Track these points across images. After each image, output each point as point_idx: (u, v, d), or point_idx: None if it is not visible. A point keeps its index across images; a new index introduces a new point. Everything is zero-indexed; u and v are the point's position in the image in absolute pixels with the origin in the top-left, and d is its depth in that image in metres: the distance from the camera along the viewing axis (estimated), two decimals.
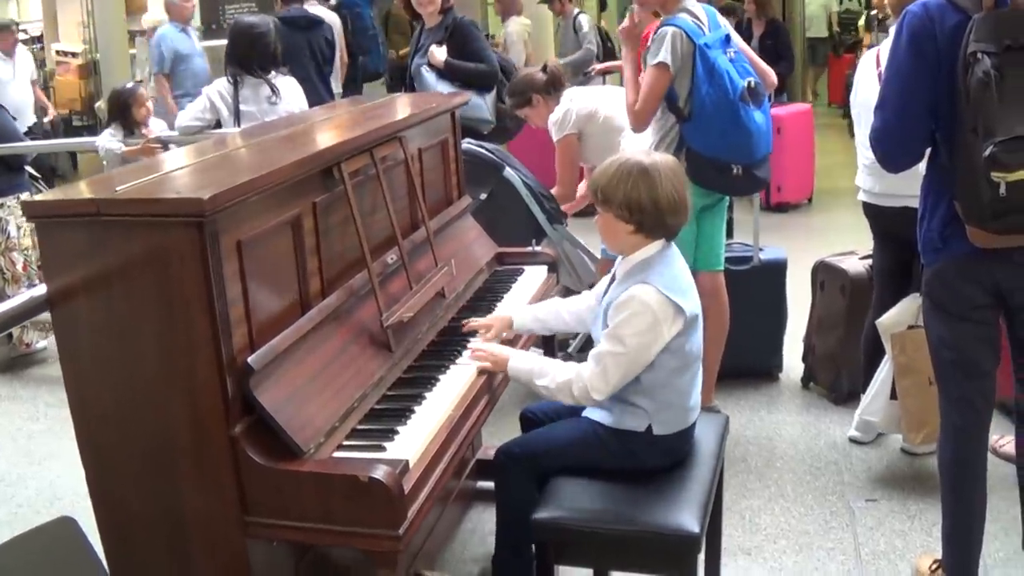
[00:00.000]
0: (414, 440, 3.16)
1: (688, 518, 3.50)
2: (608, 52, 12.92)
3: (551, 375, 3.74)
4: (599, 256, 6.12)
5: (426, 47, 7.79)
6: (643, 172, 3.59)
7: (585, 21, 12.33)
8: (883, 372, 5.27)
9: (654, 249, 3.69)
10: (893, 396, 5.21)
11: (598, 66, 11.57)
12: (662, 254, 3.70)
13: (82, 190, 3.29)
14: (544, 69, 6.68)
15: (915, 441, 5.24)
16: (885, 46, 4.90)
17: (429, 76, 7.62)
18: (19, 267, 8.15)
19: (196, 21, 12.56)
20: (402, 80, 10.06)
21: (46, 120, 13.33)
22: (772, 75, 5.66)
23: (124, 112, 7.91)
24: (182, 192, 2.96)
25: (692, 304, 3.68)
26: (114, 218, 2.91)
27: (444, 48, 7.62)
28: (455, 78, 7.58)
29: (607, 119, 6.28)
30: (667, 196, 3.59)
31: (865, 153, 5.23)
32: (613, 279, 3.81)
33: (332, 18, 11.10)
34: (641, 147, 5.51)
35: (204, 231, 2.81)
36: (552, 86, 6.59)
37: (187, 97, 10.07)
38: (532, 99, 6.62)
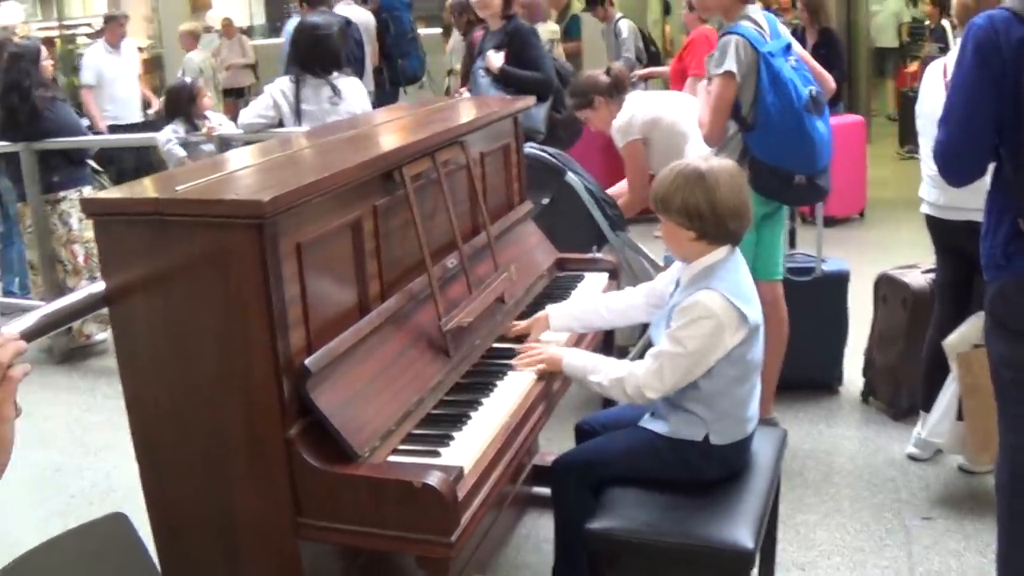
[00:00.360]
0: (470, 446, 3.14)
1: (743, 533, 3.48)
2: (652, 57, 12.84)
3: (605, 371, 3.73)
4: (661, 263, 6.08)
5: (485, 52, 7.78)
6: (700, 178, 3.59)
7: (625, 27, 12.24)
8: (948, 393, 5.19)
9: (719, 255, 3.68)
10: (960, 417, 5.14)
11: (639, 72, 11.52)
12: (727, 260, 3.69)
13: (143, 189, 3.30)
14: (608, 72, 6.64)
15: (984, 462, 5.15)
16: (952, 58, 4.85)
17: (483, 81, 7.60)
18: (80, 260, 8.24)
19: (261, 19, 12.63)
20: None
21: (150, 112, 13.23)
22: (831, 80, 5.65)
23: (186, 106, 8.00)
24: (242, 193, 2.96)
25: (755, 313, 3.67)
26: (174, 218, 2.92)
27: (502, 54, 7.58)
28: (509, 85, 7.51)
29: (671, 124, 6.25)
30: (725, 201, 3.59)
31: (929, 165, 5.17)
32: (677, 285, 3.79)
33: (366, 19, 11.16)
34: (708, 151, 5.51)
35: (264, 233, 2.81)
36: (615, 89, 6.56)
37: None
38: (594, 101, 6.58)
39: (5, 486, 2.21)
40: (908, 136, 13.64)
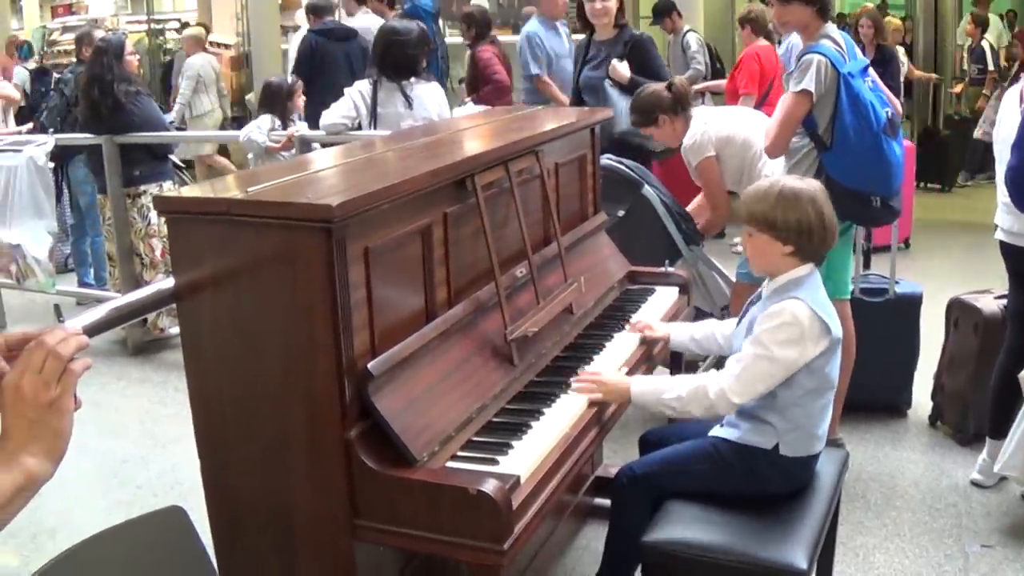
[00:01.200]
0: (528, 456, 3.15)
1: (798, 554, 3.47)
2: (716, 72, 12.82)
3: (681, 386, 3.74)
4: (734, 279, 6.07)
5: (599, 60, 7.76)
6: (809, 196, 3.65)
7: (693, 39, 12.22)
8: (1022, 425, 5.14)
9: (804, 271, 3.72)
10: None
11: (699, 85, 11.50)
12: (810, 276, 3.73)
13: (217, 188, 3.34)
14: (669, 88, 6.48)
15: None
16: None
17: (613, 91, 7.54)
18: (157, 253, 8.34)
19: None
20: None
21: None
22: (899, 104, 5.63)
23: (282, 102, 8.12)
24: (313, 197, 2.99)
25: (837, 327, 3.70)
26: (243, 219, 2.96)
27: (626, 63, 7.59)
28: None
29: (745, 141, 6.19)
30: (830, 219, 3.66)
31: (1003, 191, 5.13)
32: (756, 299, 3.82)
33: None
34: (780, 169, 5.51)
35: (332, 237, 2.84)
36: (679, 105, 6.41)
37: None
38: (659, 119, 6.38)
39: (73, 475, 2.26)
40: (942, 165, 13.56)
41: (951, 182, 13.58)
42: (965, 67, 16.17)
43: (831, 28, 5.36)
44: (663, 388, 3.75)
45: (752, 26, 10.59)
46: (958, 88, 15.74)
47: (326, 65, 10.12)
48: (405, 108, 7.10)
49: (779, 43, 10.32)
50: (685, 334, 4.26)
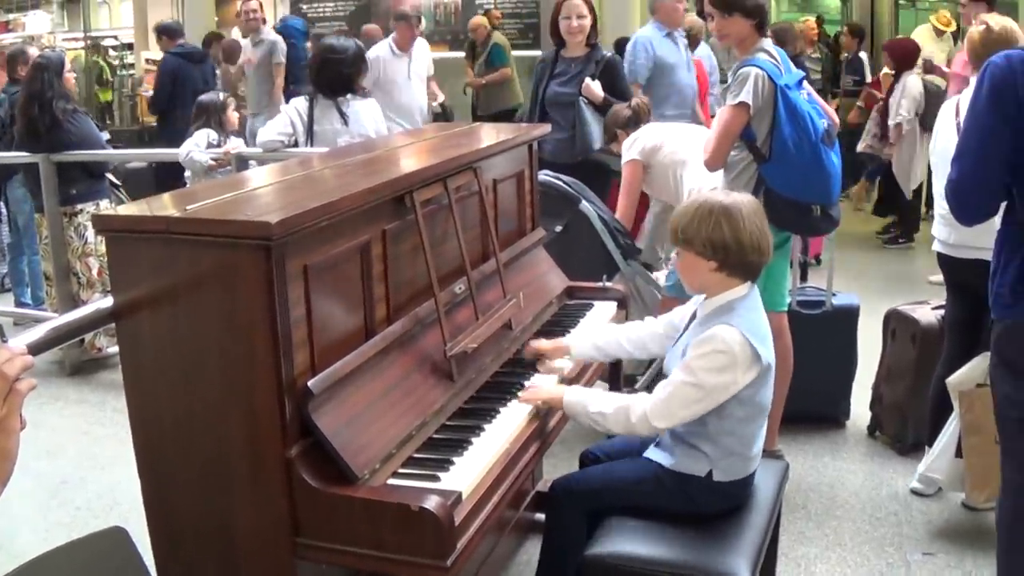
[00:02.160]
0: (469, 472, 3.16)
1: (741, 566, 3.49)
2: None
3: (607, 402, 3.73)
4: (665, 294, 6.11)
5: (568, 76, 7.83)
6: (725, 211, 3.62)
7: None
8: (950, 429, 5.19)
9: (739, 292, 3.71)
10: (959, 454, 5.14)
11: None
12: (746, 298, 3.72)
13: (155, 206, 3.33)
14: (630, 106, 6.75)
15: (979, 500, 5.17)
16: (965, 97, 4.87)
17: (587, 110, 7.61)
18: (94, 272, 8.29)
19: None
20: None
21: (435, 104, 12.40)
22: (835, 115, 5.71)
23: (216, 117, 8.08)
24: (252, 214, 2.99)
25: (769, 353, 3.68)
26: (182, 237, 2.96)
27: (599, 83, 7.66)
28: (605, 114, 7.54)
29: (671, 153, 6.32)
30: (750, 235, 3.62)
31: (941, 203, 5.19)
32: (692, 318, 3.82)
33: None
34: (705, 183, 5.57)
35: (271, 254, 2.84)
36: (634, 122, 6.65)
37: None
38: (617, 135, 6.69)
39: (12, 496, 2.24)
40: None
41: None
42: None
43: (767, 42, 5.42)
44: (591, 401, 3.75)
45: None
46: (835, 103, 15.72)
47: (185, 84, 10.97)
48: (341, 125, 7.10)
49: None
50: (587, 343, 4.22)
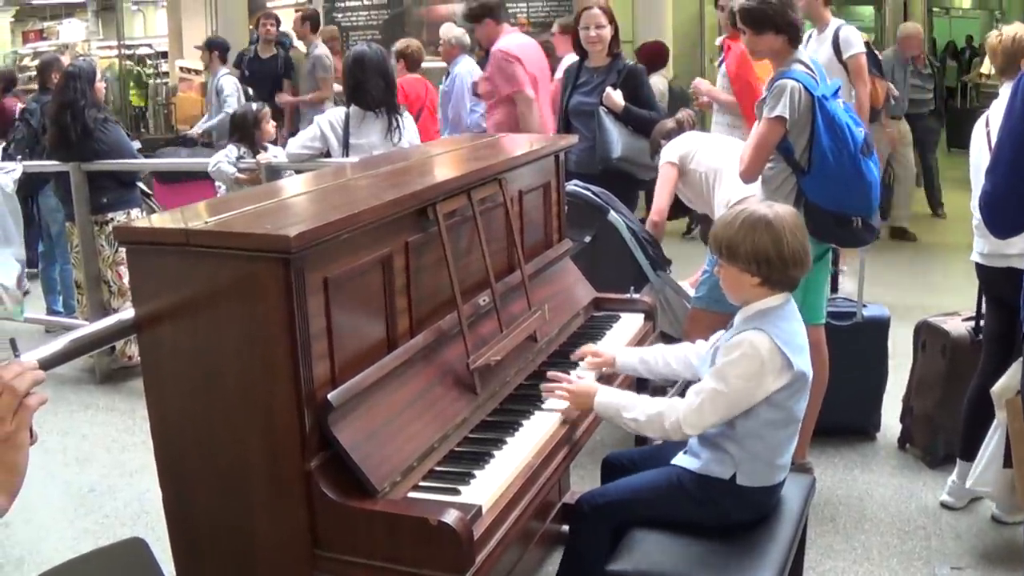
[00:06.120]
0: (490, 485, 3.14)
1: None
2: None
3: (641, 407, 3.72)
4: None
5: (592, 86, 7.81)
6: (768, 224, 3.62)
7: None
8: (993, 440, 5.10)
9: (775, 301, 3.70)
10: (1007, 464, 5.06)
11: None
12: (782, 307, 3.71)
13: (178, 218, 3.33)
14: (676, 118, 6.80)
15: None
16: (995, 108, 4.84)
17: (607, 118, 7.60)
18: (125, 281, 8.27)
19: None
20: None
21: None
22: (865, 123, 5.72)
23: (250, 130, 8.08)
24: (272, 227, 2.98)
25: (803, 363, 3.66)
26: (201, 249, 2.96)
27: (620, 92, 7.64)
28: (627, 123, 7.57)
29: (706, 163, 6.33)
30: (791, 248, 3.62)
31: (976, 214, 5.16)
32: (729, 327, 3.81)
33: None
34: (736, 194, 5.56)
35: (290, 267, 2.84)
36: (678, 135, 6.64)
37: None
38: (660, 146, 6.66)
39: (39, 504, 2.25)
40: None
41: None
42: None
43: (801, 53, 5.39)
44: (626, 405, 3.74)
45: (406, 61, 10.94)
46: None
47: None
48: (382, 138, 7.08)
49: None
50: (634, 356, 4.21)
